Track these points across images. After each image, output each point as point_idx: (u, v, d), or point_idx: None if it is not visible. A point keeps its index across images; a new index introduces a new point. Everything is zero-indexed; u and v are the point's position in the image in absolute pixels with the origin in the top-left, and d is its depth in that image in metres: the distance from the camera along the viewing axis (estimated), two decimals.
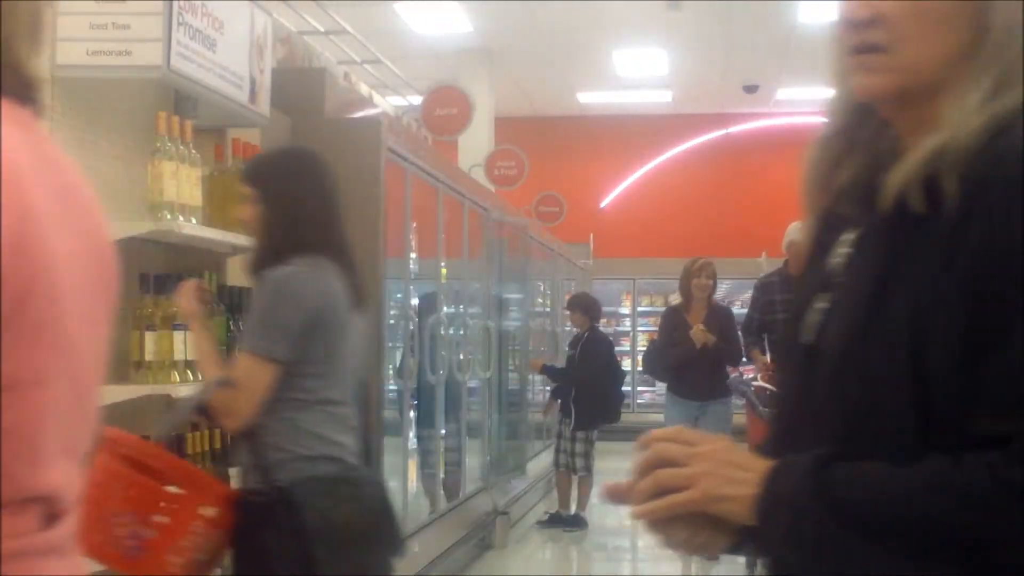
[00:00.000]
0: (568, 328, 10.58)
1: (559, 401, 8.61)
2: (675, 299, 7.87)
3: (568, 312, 8.88)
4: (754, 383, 6.36)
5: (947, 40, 1.16)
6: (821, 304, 1.25)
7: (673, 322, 7.18)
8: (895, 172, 1.16)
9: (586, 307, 8.67)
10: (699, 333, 6.90)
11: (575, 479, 8.44)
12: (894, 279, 1.14)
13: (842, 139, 1.27)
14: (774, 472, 1.15)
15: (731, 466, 1.18)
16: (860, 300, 1.18)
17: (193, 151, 3.39)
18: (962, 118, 1.13)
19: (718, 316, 7.11)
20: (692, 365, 6.92)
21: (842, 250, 1.25)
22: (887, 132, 1.24)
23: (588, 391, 8.32)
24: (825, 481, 1.10)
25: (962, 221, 1.09)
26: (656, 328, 15.88)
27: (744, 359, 7.08)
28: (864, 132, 1.25)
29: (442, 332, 6.87)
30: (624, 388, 9.36)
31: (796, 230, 6.59)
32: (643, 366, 8.37)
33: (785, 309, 6.54)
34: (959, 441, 1.06)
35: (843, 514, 1.08)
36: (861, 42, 1.19)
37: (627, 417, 13.56)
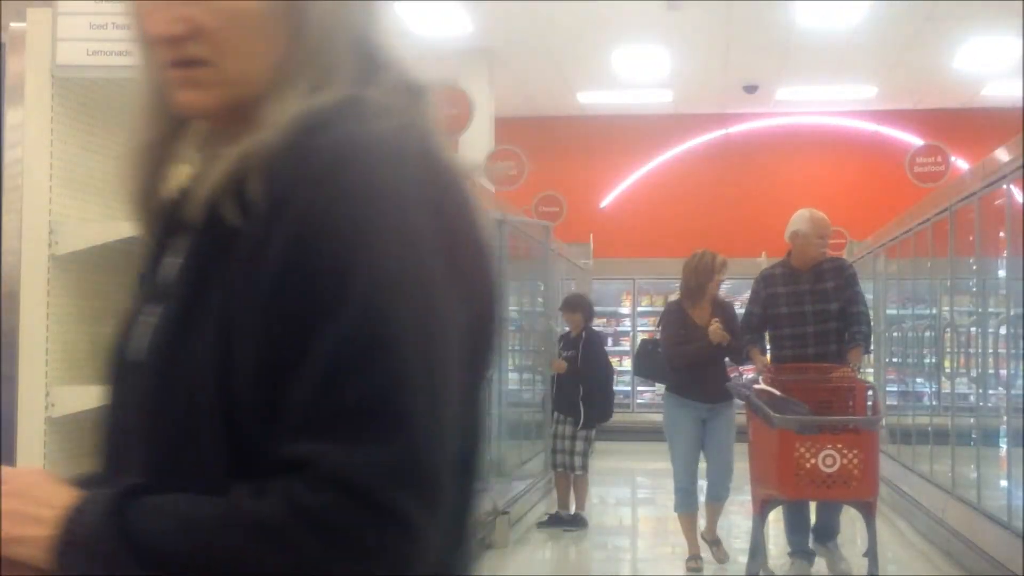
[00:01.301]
0: (566, 329, 10.58)
1: (557, 412, 8.58)
2: (673, 296, 7.61)
3: (566, 313, 8.86)
4: (756, 386, 6.01)
5: (268, 47, 1.10)
6: (150, 318, 1.12)
7: (680, 319, 6.79)
8: (201, 180, 1.09)
9: (585, 307, 8.72)
10: (717, 331, 6.54)
11: (572, 478, 8.45)
12: (205, 295, 1.06)
13: (160, 150, 1.20)
14: (74, 510, 1.00)
15: (34, 503, 1.02)
16: (171, 318, 1.09)
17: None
18: (274, 121, 1.06)
19: (724, 312, 6.78)
20: (700, 365, 6.60)
21: (173, 259, 1.14)
22: (213, 142, 1.15)
23: (595, 390, 8.36)
24: (124, 517, 0.98)
25: (266, 227, 1.01)
26: (653, 327, 16.00)
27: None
28: (181, 142, 1.17)
29: None
30: (623, 388, 9.36)
31: (800, 220, 6.40)
32: (635, 366, 7.89)
33: (789, 303, 6.30)
34: (270, 468, 0.97)
35: (141, 553, 0.96)
36: (179, 57, 1.12)
37: (628, 417, 13.60)
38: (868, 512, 5.82)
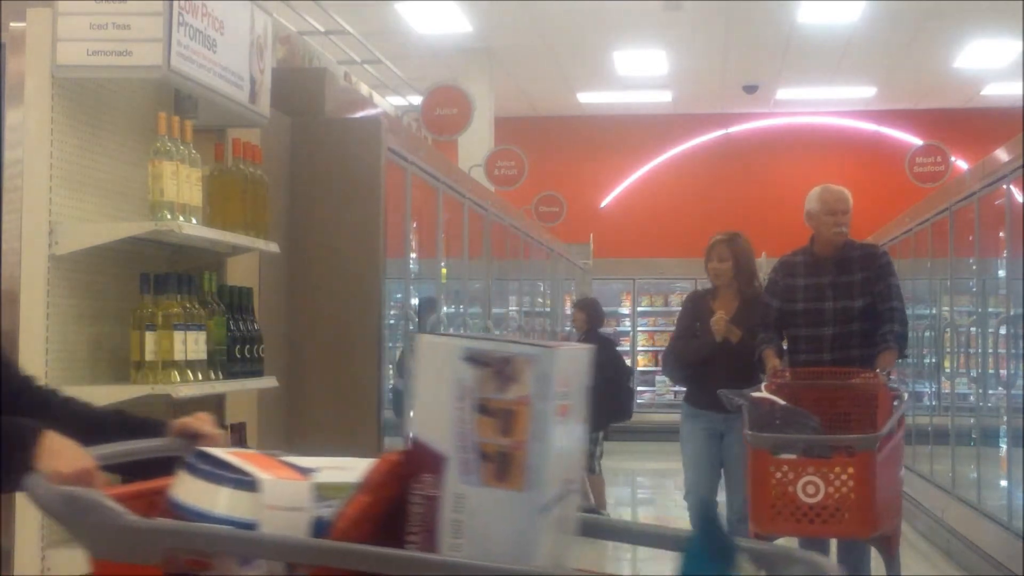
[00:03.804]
0: (569, 328, 10.59)
1: None
2: (675, 299, 7.24)
3: (574, 311, 8.91)
4: (754, 393, 4.76)
5: None
6: None
7: (697, 310, 5.80)
8: None
9: (589, 308, 8.75)
10: (720, 323, 5.50)
11: (589, 478, 8.55)
12: None
13: None
14: None
15: None
16: None
17: (193, 151, 3.39)
18: None
19: (753, 307, 5.58)
20: (714, 368, 5.52)
21: None
22: None
23: (603, 395, 8.39)
24: None
25: None
26: (655, 328, 16.02)
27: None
28: None
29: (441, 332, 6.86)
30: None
31: (810, 198, 5.44)
32: (662, 365, 6.80)
33: (808, 298, 5.27)
34: None
35: None
36: None
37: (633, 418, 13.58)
38: (887, 550, 4.68)
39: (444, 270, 7.28)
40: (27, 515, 3.06)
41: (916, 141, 13.94)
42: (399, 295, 6.43)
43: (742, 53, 13.12)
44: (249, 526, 1.36)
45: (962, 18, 11.57)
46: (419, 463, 1.30)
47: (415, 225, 6.71)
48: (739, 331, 5.51)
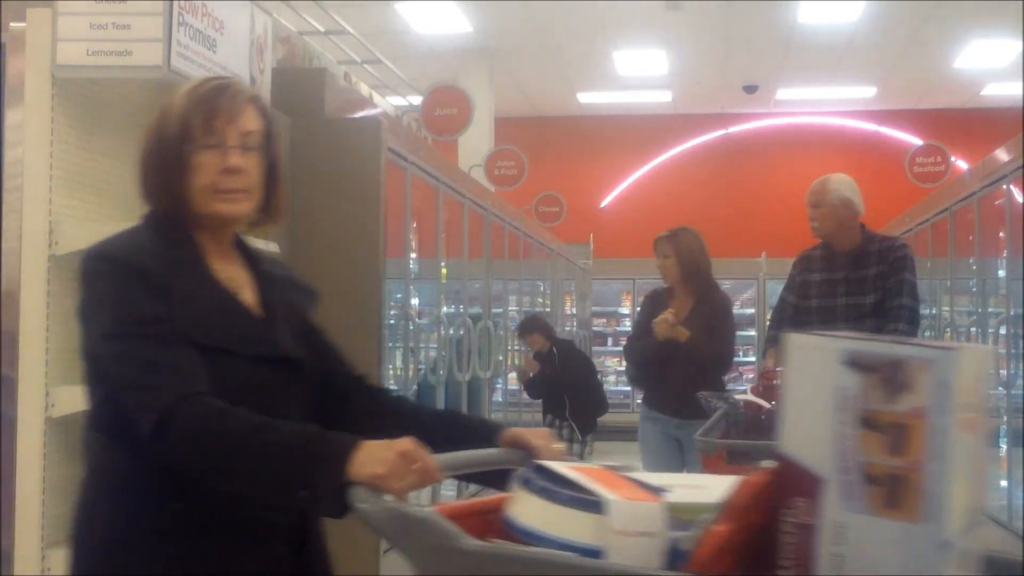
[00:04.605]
0: (568, 328, 10.57)
1: (549, 415, 8.62)
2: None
3: (525, 336, 8.82)
4: (741, 396, 4.39)
5: None
6: None
7: (654, 308, 5.47)
8: None
9: (540, 327, 8.74)
10: (663, 323, 5.22)
11: None
12: None
13: None
14: None
15: None
16: None
17: None
18: None
19: (706, 306, 5.37)
20: (668, 370, 5.27)
21: None
22: None
23: (579, 401, 8.37)
24: None
25: None
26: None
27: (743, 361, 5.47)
28: None
29: (442, 332, 6.87)
30: (623, 388, 9.36)
31: (811, 192, 5.08)
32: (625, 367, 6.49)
33: (821, 294, 5.06)
34: None
35: None
36: None
37: (627, 417, 13.56)
38: None
39: (444, 270, 7.28)
40: (27, 515, 3.06)
41: (916, 141, 13.95)
42: (399, 295, 6.43)
43: (742, 53, 13.12)
44: (594, 553, 1.22)
45: (962, 18, 11.57)
46: (791, 485, 1.14)
47: (415, 225, 6.71)
48: (687, 332, 5.24)
